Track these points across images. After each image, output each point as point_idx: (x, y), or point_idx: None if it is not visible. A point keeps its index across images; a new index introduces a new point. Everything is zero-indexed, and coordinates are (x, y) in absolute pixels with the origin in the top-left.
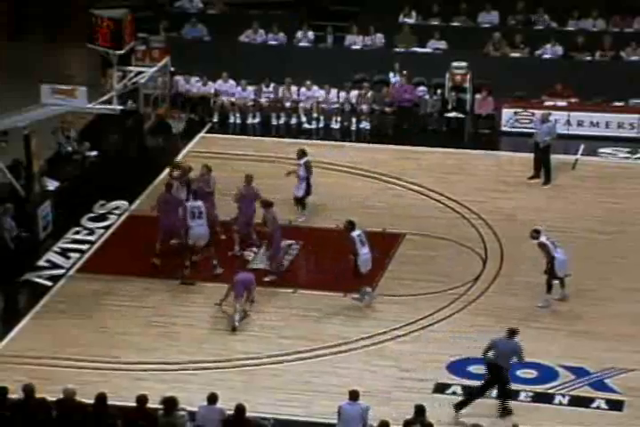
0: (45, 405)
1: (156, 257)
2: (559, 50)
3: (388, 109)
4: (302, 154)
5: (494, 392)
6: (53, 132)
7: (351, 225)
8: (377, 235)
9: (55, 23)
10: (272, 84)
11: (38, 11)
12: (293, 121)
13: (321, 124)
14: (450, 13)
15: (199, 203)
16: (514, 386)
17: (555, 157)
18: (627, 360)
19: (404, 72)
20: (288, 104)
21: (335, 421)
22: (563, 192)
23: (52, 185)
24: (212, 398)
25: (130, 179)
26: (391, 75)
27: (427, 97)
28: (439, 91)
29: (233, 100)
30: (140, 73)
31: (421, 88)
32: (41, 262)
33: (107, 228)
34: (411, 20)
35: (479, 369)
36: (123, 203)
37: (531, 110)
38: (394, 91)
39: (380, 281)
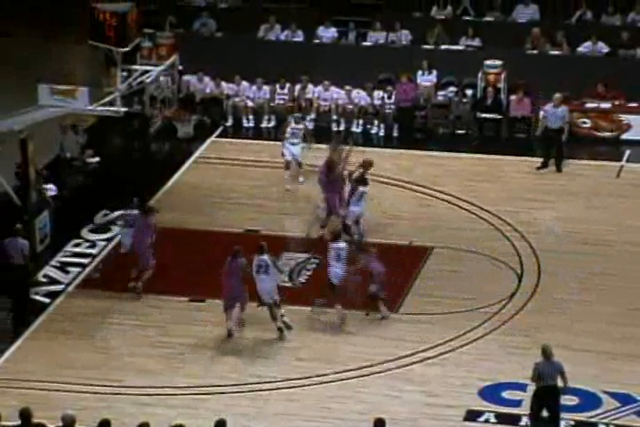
0: None
1: None
2: (603, 47)
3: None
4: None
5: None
6: (63, 130)
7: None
8: (402, 248)
9: (54, 17)
10: (287, 85)
11: (35, 3)
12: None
13: (341, 127)
14: (482, 8)
15: None
16: None
17: (598, 164)
18: None
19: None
20: (303, 104)
21: None
22: (605, 202)
23: (52, 191)
24: (220, 425)
25: (134, 187)
26: (419, 73)
27: (456, 98)
28: (469, 91)
29: (248, 102)
30: (145, 72)
31: (451, 88)
32: (38, 277)
33: (109, 240)
34: (441, 16)
35: (513, 395)
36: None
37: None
38: (399, 91)
39: (405, 298)
